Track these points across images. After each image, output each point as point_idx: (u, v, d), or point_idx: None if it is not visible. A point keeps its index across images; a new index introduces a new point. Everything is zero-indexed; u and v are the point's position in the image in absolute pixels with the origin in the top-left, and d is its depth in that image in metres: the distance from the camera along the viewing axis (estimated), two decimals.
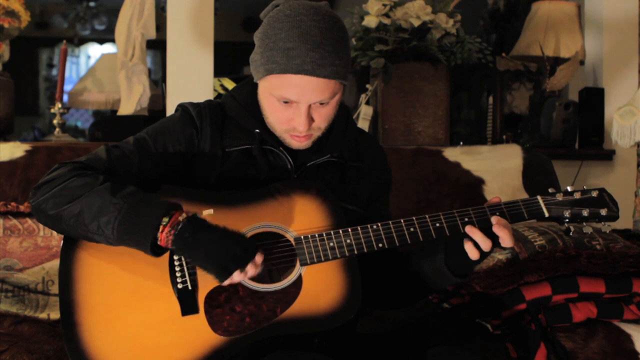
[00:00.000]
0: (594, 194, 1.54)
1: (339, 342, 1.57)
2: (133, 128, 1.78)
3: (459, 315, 2.02)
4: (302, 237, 1.47)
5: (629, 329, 1.96)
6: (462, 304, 2.02)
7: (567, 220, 1.52)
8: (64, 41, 3.27)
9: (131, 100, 3.05)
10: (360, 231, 1.48)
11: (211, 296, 1.45)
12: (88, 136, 6.31)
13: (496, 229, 1.46)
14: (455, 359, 1.47)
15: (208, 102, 1.63)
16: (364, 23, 2.93)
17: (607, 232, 1.55)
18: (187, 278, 1.45)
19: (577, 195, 1.53)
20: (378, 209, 1.69)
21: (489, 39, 4.87)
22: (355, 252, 1.48)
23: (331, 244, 1.47)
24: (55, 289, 2.11)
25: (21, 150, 2.38)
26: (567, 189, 1.55)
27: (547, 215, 1.52)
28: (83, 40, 9.06)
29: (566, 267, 1.97)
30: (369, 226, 1.49)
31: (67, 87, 6.08)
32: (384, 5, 2.91)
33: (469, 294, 2.00)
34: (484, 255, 1.48)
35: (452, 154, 2.62)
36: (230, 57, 7.60)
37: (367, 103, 3.04)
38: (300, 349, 1.45)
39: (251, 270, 1.39)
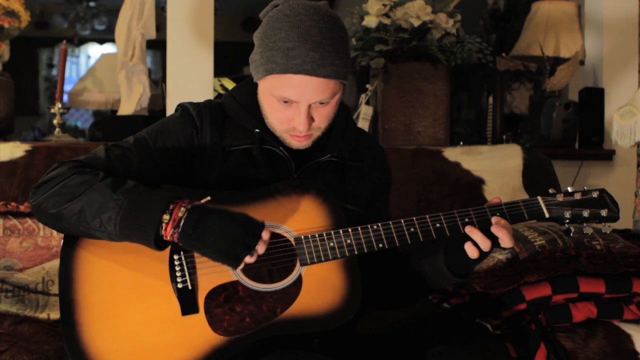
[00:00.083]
0: (595, 194, 1.54)
1: (339, 342, 1.57)
2: (133, 128, 1.78)
3: (459, 315, 2.02)
4: (302, 237, 1.47)
5: (629, 329, 1.96)
6: (462, 304, 2.02)
7: (567, 221, 1.52)
8: (64, 41, 3.27)
9: (131, 100, 3.05)
10: (360, 231, 1.48)
11: (211, 296, 1.45)
12: (88, 136, 6.32)
13: (495, 230, 1.46)
14: (455, 359, 1.47)
15: (208, 102, 1.63)
16: (364, 23, 2.93)
17: (608, 232, 1.55)
18: (187, 277, 1.45)
19: (577, 196, 1.53)
20: (378, 209, 1.69)
21: (489, 39, 4.87)
22: (356, 252, 1.48)
23: (331, 244, 1.47)
24: (55, 289, 2.11)
25: (21, 150, 2.38)
26: (567, 190, 1.55)
27: (547, 215, 1.52)
28: (83, 40, 9.06)
29: (566, 267, 1.97)
30: (369, 226, 1.49)
31: (67, 87, 6.09)
32: (384, 5, 2.91)
33: (469, 294, 2.00)
34: (483, 255, 1.48)
35: (452, 154, 2.61)
36: (230, 57, 7.60)
37: (367, 103, 3.04)
38: (300, 349, 1.45)
39: (261, 248, 1.39)
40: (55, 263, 2.13)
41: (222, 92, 3.11)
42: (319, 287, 1.46)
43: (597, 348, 1.89)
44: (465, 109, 5.16)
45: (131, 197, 1.38)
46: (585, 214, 1.52)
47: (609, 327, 1.95)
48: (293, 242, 1.48)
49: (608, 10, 3.46)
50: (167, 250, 1.44)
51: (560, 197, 1.53)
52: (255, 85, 1.58)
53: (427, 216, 1.50)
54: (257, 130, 1.57)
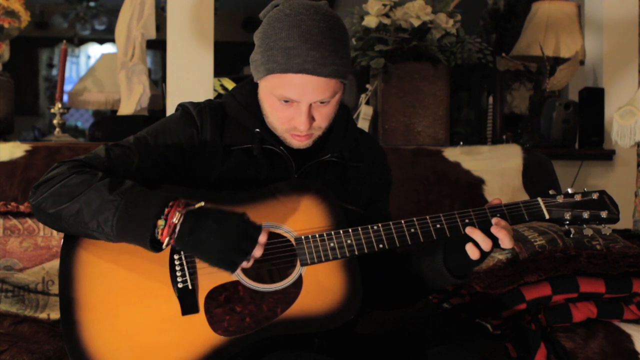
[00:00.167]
0: (595, 196, 1.54)
1: (339, 342, 1.57)
2: (133, 128, 1.78)
3: (459, 315, 2.02)
4: (302, 237, 1.47)
5: (629, 329, 1.96)
6: (462, 304, 2.02)
7: (567, 222, 1.52)
8: (64, 41, 3.27)
9: (131, 100, 3.05)
10: (360, 232, 1.48)
11: (211, 296, 1.45)
12: (88, 136, 6.31)
13: (495, 230, 1.46)
14: (455, 359, 1.47)
15: (208, 101, 1.64)
16: (364, 23, 2.93)
17: (608, 234, 1.55)
18: (187, 277, 1.45)
19: (577, 197, 1.53)
20: (378, 209, 1.69)
21: (489, 39, 4.87)
22: (356, 252, 1.48)
23: (332, 244, 1.47)
24: (55, 289, 2.11)
25: (21, 150, 2.38)
26: (567, 191, 1.55)
27: (547, 217, 1.52)
28: (83, 40, 9.06)
29: (566, 267, 1.97)
30: (369, 227, 1.49)
31: (67, 87, 6.09)
32: (384, 5, 2.91)
33: (469, 294, 2.00)
34: (484, 255, 1.48)
35: (452, 154, 2.62)
36: (230, 57, 7.59)
37: (367, 103, 3.04)
38: (301, 349, 1.45)
39: (257, 252, 1.39)
40: (55, 263, 2.13)
41: (222, 92, 3.11)
42: (319, 287, 1.46)
43: (597, 348, 1.89)
44: (465, 109, 5.16)
45: (127, 198, 1.38)
46: (585, 215, 1.52)
47: (609, 327, 1.95)
48: (293, 242, 1.48)
49: (608, 10, 3.46)
50: (167, 250, 1.44)
51: (560, 199, 1.53)
52: (256, 85, 1.58)
53: (428, 217, 1.50)
54: (258, 130, 1.57)
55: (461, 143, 3.15)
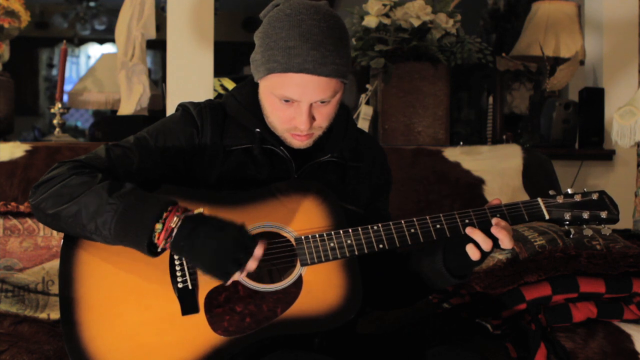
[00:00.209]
0: (594, 196, 1.54)
1: (339, 342, 1.57)
2: (133, 128, 1.78)
3: (459, 315, 2.02)
4: (302, 237, 1.47)
5: (629, 329, 1.96)
6: (462, 304, 2.02)
7: (567, 222, 1.52)
8: (64, 41, 3.27)
9: (131, 100, 3.05)
10: (360, 232, 1.48)
11: (211, 296, 1.45)
12: (88, 136, 6.32)
13: (495, 231, 1.46)
14: (455, 359, 1.47)
15: (208, 101, 1.64)
16: (364, 23, 2.93)
17: (607, 234, 1.55)
18: (188, 277, 1.45)
19: (577, 198, 1.53)
20: (378, 209, 1.69)
21: (489, 39, 4.87)
22: (356, 252, 1.48)
23: (332, 245, 1.47)
24: (55, 289, 2.11)
25: (21, 150, 2.38)
26: (567, 192, 1.55)
27: (547, 217, 1.52)
28: (83, 40, 9.06)
29: (566, 267, 1.97)
30: (369, 227, 1.49)
31: (67, 87, 6.09)
32: (384, 5, 2.92)
33: (469, 294, 2.00)
34: (484, 255, 1.48)
35: (452, 154, 2.62)
36: (230, 57, 7.60)
37: (367, 103, 3.04)
38: (301, 349, 1.45)
39: (251, 265, 1.38)
40: (55, 263, 2.13)
41: (222, 92, 3.11)
42: (320, 287, 1.46)
43: (597, 348, 1.89)
44: (465, 109, 5.16)
45: (126, 202, 1.37)
46: (585, 215, 1.52)
47: (609, 327, 1.95)
48: (293, 242, 1.48)
49: (608, 10, 3.46)
50: (168, 250, 1.44)
51: (560, 199, 1.53)
52: (256, 85, 1.58)
53: (428, 217, 1.50)
54: (258, 129, 1.57)
55: (461, 143, 3.15)
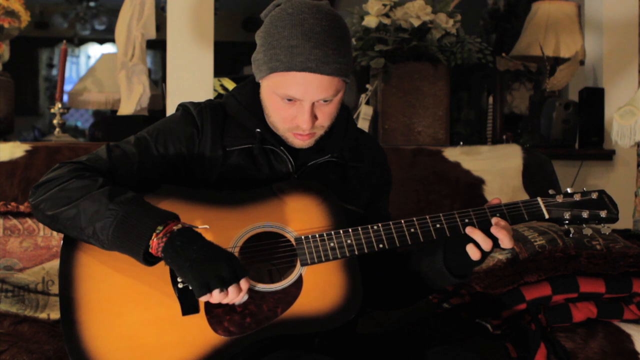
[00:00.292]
0: (594, 195, 1.54)
1: (339, 342, 1.57)
2: (133, 128, 1.78)
3: (459, 315, 2.02)
4: (302, 237, 1.47)
5: (629, 329, 1.96)
6: (462, 304, 2.02)
7: (567, 222, 1.52)
8: (64, 41, 3.27)
9: (131, 100, 3.05)
10: (360, 231, 1.48)
11: None
12: (88, 136, 6.31)
13: (495, 230, 1.46)
14: (455, 359, 1.47)
15: (209, 101, 1.64)
16: (364, 23, 2.93)
17: (607, 233, 1.55)
18: None
19: (577, 197, 1.54)
20: (378, 209, 1.69)
21: (489, 39, 4.87)
22: (356, 252, 1.48)
23: (332, 244, 1.47)
24: (55, 289, 2.11)
25: (21, 150, 2.38)
26: (567, 191, 1.55)
27: (547, 216, 1.52)
28: (83, 40, 9.06)
29: (566, 267, 1.97)
30: (369, 227, 1.49)
31: (67, 87, 6.09)
32: (384, 5, 2.92)
33: (469, 294, 2.00)
34: (485, 255, 1.48)
35: (452, 154, 2.62)
36: (230, 57, 7.60)
37: (367, 103, 3.04)
38: (301, 349, 1.45)
39: (233, 293, 1.36)
40: (55, 263, 2.13)
41: (222, 92, 3.11)
42: (320, 287, 1.46)
43: (597, 348, 1.89)
44: (465, 109, 5.15)
45: (127, 209, 1.37)
46: (585, 215, 1.52)
47: (609, 327, 1.96)
48: (293, 242, 1.48)
49: (608, 10, 3.46)
50: None
51: (559, 198, 1.53)
52: (257, 85, 1.58)
53: (428, 217, 1.51)
54: (258, 130, 1.57)
55: (461, 143, 3.15)
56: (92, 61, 8.85)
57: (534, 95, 4.00)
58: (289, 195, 1.51)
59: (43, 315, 2.06)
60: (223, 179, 1.56)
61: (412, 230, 1.49)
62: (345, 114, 1.65)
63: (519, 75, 4.04)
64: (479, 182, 2.55)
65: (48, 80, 8.99)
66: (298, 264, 1.47)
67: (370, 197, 1.68)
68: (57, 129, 3.10)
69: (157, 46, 7.72)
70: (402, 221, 1.50)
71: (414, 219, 1.50)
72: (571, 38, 3.68)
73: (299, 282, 1.46)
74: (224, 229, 1.47)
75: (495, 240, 1.47)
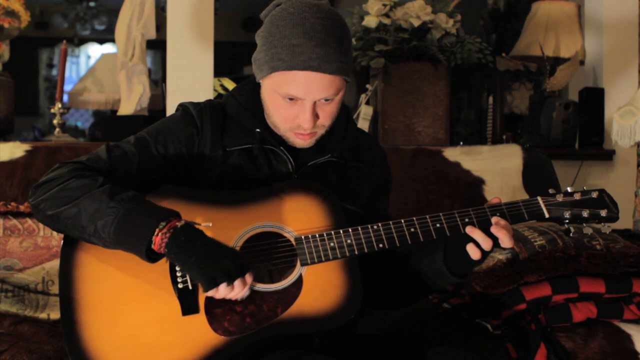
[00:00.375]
0: (594, 195, 1.54)
1: (339, 342, 1.57)
2: (133, 128, 1.78)
3: (459, 315, 2.02)
4: (302, 237, 1.47)
5: (629, 329, 1.96)
6: (462, 304, 2.02)
7: (567, 221, 1.52)
8: (64, 41, 3.27)
9: (131, 100, 3.05)
10: (360, 231, 1.48)
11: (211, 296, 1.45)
12: (88, 136, 6.32)
13: (495, 230, 1.46)
14: (455, 359, 1.47)
15: (209, 101, 1.64)
16: (364, 23, 2.93)
17: (607, 233, 1.55)
18: (188, 278, 1.45)
19: (577, 196, 1.54)
20: (378, 209, 1.69)
21: (489, 39, 4.87)
22: (356, 252, 1.48)
23: (332, 244, 1.47)
24: (55, 289, 2.11)
25: (21, 150, 2.38)
26: (567, 190, 1.55)
27: (547, 216, 1.52)
28: (83, 40, 9.06)
29: (566, 267, 1.97)
30: (369, 226, 1.49)
31: (67, 87, 6.09)
32: (384, 5, 2.92)
33: (469, 294, 2.00)
34: (485, 255, 1.48)
35: (452, 154, 2.62)
36: (230, 57, 7.60)
37: (367, 103, 3.04)
38: (301, 349, 1.45)
39: (238, 287, 1.38)
40: (55, 263, 2.13)
41: (222, 92, 3.11)
42: (320, 287, 1.46)
43: (597, 348, 1.89)
44: (465, 109, 5.15)
45: (128, 206, 1.38)
46: (585, 214, 1.52)
47: (609, 327, 1.96)
48: (293, 242, 1.48)
49: (608, 10, 3.46)
50: None
51: (559, 198, 1.53)
52: (257, 85, 1.58)
53: (428, 216, 1.50)
54: (258, 130, 1.57)
55: (461, 143, 3.15)
56: (92, 61, 8.85)
57: (534, 95, 4.00)
58: (289, 195, 1.51)
59: (43, 315, 2.06)
60: (223, 179, 1.56)
61: (412, 230, 1.49)
62: (345, 114, 1.65)
63: (519, 75, 4.04)
64: (479, 182, 2.55)
65: (48, 80, 8.99)
66: (298, 263, 1.47)
67: (370, 197, 1.68)
68: (57, 129, 3.10)
69: (157, 46, 7.72)
70: (402, 221, 1.50)
71: (414, 218, 1.50)
72: (571, 38, 3.68)
73: (299, 282, 1.46)
74: (224, 228, 1.47)
75: (495, 239, 1.47)
